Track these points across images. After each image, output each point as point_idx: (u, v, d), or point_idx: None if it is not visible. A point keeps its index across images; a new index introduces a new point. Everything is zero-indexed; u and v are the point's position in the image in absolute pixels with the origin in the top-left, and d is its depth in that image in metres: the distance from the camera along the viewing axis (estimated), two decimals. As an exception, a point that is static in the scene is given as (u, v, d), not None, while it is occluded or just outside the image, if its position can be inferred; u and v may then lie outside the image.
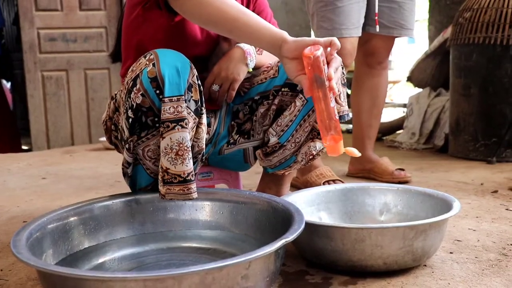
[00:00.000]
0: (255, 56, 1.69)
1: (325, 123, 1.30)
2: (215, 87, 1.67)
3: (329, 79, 1.27)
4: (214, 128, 1.77)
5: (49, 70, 4.84)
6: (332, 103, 1.29)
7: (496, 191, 2.34)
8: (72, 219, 1.39)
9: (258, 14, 1.77)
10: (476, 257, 1.53)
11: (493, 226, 1.83)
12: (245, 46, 1.67)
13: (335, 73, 1.30)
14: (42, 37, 4.79)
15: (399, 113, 7.10)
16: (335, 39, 1.31)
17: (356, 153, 1.39)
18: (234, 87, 1.68)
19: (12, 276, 1.49)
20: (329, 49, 1.32)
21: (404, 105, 6.13)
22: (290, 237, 1.13)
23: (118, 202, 1.48)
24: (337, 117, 1.31)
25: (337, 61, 1.32)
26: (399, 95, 9.71)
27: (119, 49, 1.74)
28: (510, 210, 2.03)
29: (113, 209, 1.47)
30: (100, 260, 1.38)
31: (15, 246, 1.13)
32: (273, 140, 1.72)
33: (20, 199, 2.48)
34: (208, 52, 1.71)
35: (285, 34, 1.36)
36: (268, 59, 1.75)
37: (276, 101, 1.70)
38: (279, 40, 1.35)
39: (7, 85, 6.34)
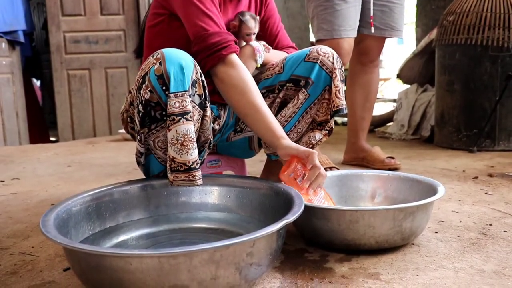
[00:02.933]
0: (263, 53, 1.68)
1: None
2: None
3: (302, 189, 1.40)
4: (224, 120, 1.76)
5: (74, 69, 4.82)
6: (317, 200, 1.46)
7: (476, 177, 2.32)
8: (94, 202, 1.39)
9: (268, 19, 1.78)
10: (458, 236, 1.52)
11: (474, 209, 1.82)
12: (254, 44, 1.66)
13: (314, 181, 1.41)
14: (67, 39, 4.78)
15: (389, 107, 7.06)
16: (311, 155, 1.41)
17: None
18: None
19: (42, 252, 1.49)
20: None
21: (394, 100, 6.09)
22: (290, 218, 1.12)
23: (135, 187, 1.48)
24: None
25: (314, 171, 1.41)
26: (389, 91, 9.67)
27: (142, 47, 1.73)
28: (489, 194, 2.02)
29: (131, 193, 1.47)
30: (120, 239, 1.37)
31: (44, 225, 1.13)
32: None
33: (48, 184, 2.48)
34: None
35: (280, 142, 1.45)
36: (274, 57, 1.73)
37: (281, 95, 1.70)
38: (275, 146, 1.46)
39: (37, 83, 6.33)
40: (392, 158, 2.63)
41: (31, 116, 4.88)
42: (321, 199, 1.47)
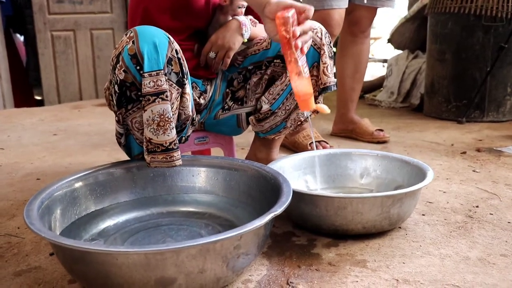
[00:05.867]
0: (250, 28, 1.64)
1: (295, 81, 1.30)
2: (212, 55, 1.64)
3: (294, 36, 1.24)
4: (210, 95, 1.74)
5: (58, 30, 4.71)
6: (301, 62, 1.28)
7: (464, 152, 2.33)
8: (79, 185, 1.37)
9: None
10: (445, 219, 1.53)
11: (461, 188, 1.83)
12: (240, 18, 1.62)
13: (304, 34, 1.27)
14: (50, -2, 4.66)
15: (379, 67, 7.02)
16: (310, 8, 1.27)
17: (326, 109, 1.39)
18: (229, 55, 1.64)
19: (28, 234, 1.48)
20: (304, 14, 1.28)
21: (384, 60, 6.04)
22: (278, 210, 1.11)
23: (121, 169, 1.46)
24: (307, 75, 1.31)
25: (306, 24, 1.28)
26: (379, 50, 9.57)
27: None
28: (477, 171, 2.03)
29: (117, 175, 1.45)
30: (106, 224, 1.36)
31: (28, 216, 1.11)
32: (265, 107, 1.70)
33: (33, 155, 2.45)
34: (207, 24, 1.67)
35: None
36: (262, 32, 1.70)
37: (268, 71, 1.67)
38: (264, 1, 1.30)
39: (20, 38, 6.17)
40: (381, 130, 2.62)
41: (14, 77, 4.78)
42: (305, 62, 1.33)
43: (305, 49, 1.29)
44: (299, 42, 1.26)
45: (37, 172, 2.14)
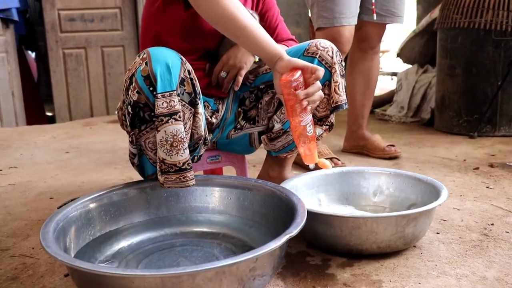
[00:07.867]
0: None
1: (298, 137, 1.38)
2: (223, 74, 1.65)
3: (297, 100, 1.33)
4: (222, 114, 1.74)
5: (70, 48, 4.76)
6: (304, 122, 1.35)
7: (477, 168, 2.31)
8: (94, 206, 1.37)
9: (267, 11, 1.75)
10: (460, 238, 1.52)
11: (475, 205, 1.81)
12: None
13: (312, 96, 1.34)
14: (62, 17, 4.70)
15: (387, 80, 7.01)
16: (321, 69, 1.34)
17: (327, 165, 1.44)
18: (241, 74, 1.65)
19: (42, 254, 1.48)
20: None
21: (393, 74, 6.04)
22: (293, 231, 1.11)
23: (135, 189, 1.46)
24: (310, 134, 1.38)
25: (314, 86, 1.35)
26: (388, 64, 9.58)
27: None
28: (490, 188, 2.01)
29: (131, 195, 1.46)
30: (120, 245, 1.36)
31: (44, 239, 1.12)
32: (277, 126, 1.70)
33: (46, 174, 2.46)
34: (218, 45, 1.68)
35: (282, 52, 1.38)
36: None
37: None
38: (276, 56, 1.38)
39: (32, 55, 6.25)
40: (393, 146, 2.61)
41: (26, 94, 4.83)
42: (309, 121, 1.37)
43: (309, 109, 1.36)
44: (304, 104, 1.33)
45: (51, 191, 2.15)
